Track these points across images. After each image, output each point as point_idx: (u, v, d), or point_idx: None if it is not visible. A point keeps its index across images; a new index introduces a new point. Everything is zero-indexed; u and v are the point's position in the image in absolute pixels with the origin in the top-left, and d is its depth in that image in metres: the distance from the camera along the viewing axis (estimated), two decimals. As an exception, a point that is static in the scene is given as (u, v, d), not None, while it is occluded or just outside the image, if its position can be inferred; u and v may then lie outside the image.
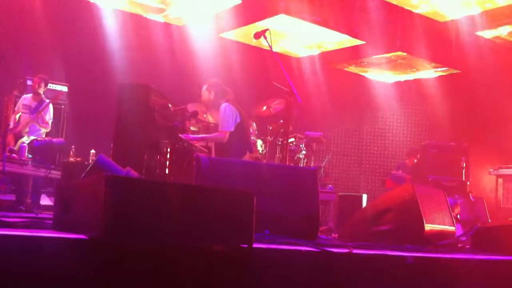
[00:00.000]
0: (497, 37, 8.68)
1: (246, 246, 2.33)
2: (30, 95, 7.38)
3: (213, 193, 2.37)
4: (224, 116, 5.90)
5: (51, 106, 7.32)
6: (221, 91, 6.11)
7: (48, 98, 7.36)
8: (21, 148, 6.68)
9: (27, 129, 7.12)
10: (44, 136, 7.27)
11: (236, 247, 2.31)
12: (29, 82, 7.63)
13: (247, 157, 6.24)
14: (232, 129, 5.88)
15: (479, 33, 8.46)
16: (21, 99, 7.39)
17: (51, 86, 7.88)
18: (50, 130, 7.43)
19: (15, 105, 7.41)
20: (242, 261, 2.31)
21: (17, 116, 7.28)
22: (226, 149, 5.87)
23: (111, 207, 2.06)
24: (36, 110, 7.18)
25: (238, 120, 5.93)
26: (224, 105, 5.94)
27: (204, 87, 6.19)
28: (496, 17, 8.00)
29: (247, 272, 2.31)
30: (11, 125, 7.11)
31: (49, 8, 7.86)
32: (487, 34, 8.56)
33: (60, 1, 8.12)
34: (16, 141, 6.94)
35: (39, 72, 7.51)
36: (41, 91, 7.31)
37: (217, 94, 6.10)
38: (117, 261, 2.04)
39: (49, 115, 7.31)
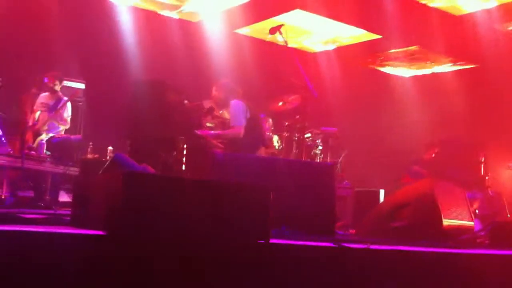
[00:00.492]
0: (515, 31, 8.56)
1: (263, 241, 2.32)
2: (47, 93, 7.41)
3: (229, 188, 2.37)
4: (234, 112, 6.04)
5: (69, 103, 7.36)
6: (231, 90, 6.28)
7: (66, 96, 7.41)
8: (40, 145, 6.74)
9: (45, 127, 7.16)
10: (63, 133, 7.32)
11: (253, 243, 2.31)
12: (46, 80, 7.66)
13: (263, 152, 6.27)
14: (244, 123, 5.97)
15: (496, 26, 8.35)
16: (39, 97, 7.43)
17: (68, 83, 7.92)
18: (69, 127, 7.47)
19: (33, 103, 7.47)
20: (259, 257, 2.31)
21: (36, 114, 7.33)
22: (239, 144, 5.92)
23: (129, 204, 2.07)
24: (54, 108, 7.22)
25: (248, 115, 6.02)
26: (233, 101, 6.09)
27: (215, 87, 6.34)
28: (513, 10, 7.89)
29: (264, 268, 2.31)
30: (30, 122, 7.18)
31: (65, 6, 7.90)
32: (504, 27, 8.44)
33: (76, -1, 8.17)
34: (34, 139, 7.00)
35: (55, 69, 7.55)
36: (57, 88, 7.35)
37: (226, 92, 6.26)
38: (134, 256, 2.05)
39: (67, 113, 7.35)
